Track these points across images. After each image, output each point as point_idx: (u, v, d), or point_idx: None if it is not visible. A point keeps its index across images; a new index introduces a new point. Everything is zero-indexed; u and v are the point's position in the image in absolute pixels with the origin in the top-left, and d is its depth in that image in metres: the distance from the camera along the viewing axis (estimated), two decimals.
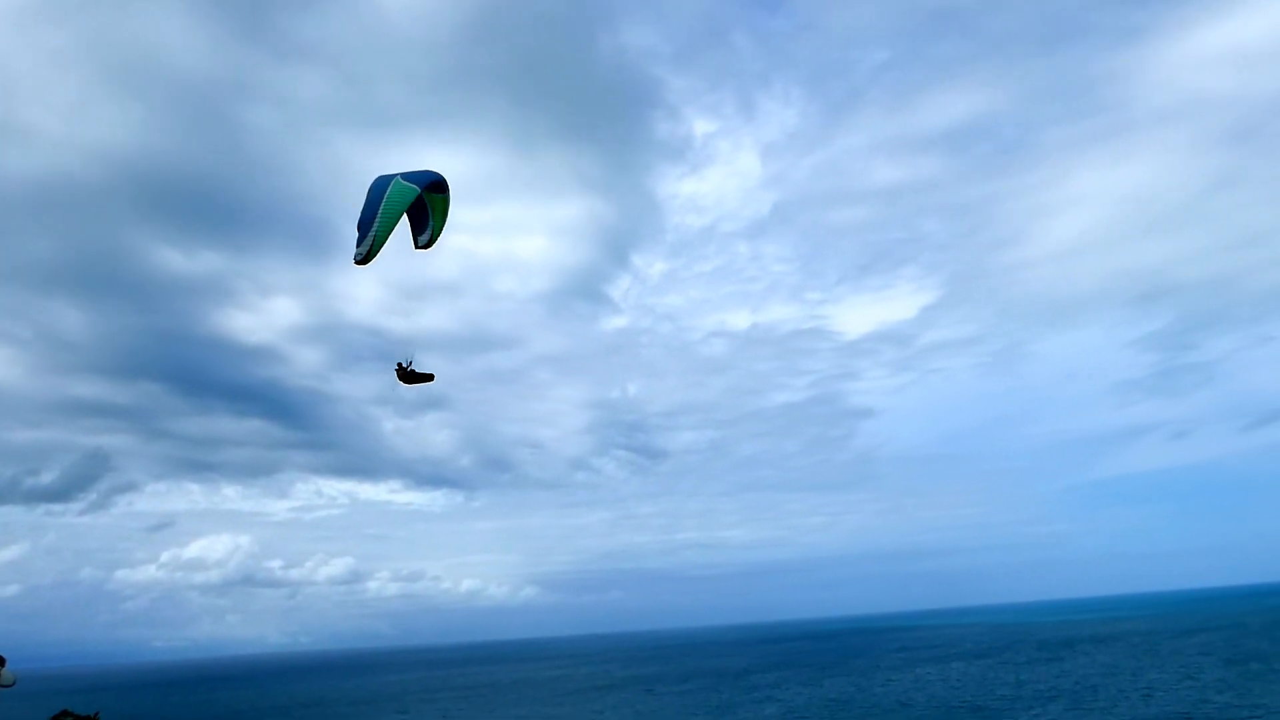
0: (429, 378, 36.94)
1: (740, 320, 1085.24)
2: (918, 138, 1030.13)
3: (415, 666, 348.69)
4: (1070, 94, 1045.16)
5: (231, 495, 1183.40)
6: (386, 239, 30.92)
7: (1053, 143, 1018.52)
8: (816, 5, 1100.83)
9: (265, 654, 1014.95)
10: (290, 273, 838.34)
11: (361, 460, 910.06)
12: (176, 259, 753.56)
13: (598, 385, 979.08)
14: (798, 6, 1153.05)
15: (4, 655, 27.43)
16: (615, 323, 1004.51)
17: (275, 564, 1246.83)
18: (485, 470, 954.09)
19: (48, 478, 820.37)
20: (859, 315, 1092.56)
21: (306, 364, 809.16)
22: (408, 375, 36.23)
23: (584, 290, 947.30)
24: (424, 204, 34.91)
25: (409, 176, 32.35)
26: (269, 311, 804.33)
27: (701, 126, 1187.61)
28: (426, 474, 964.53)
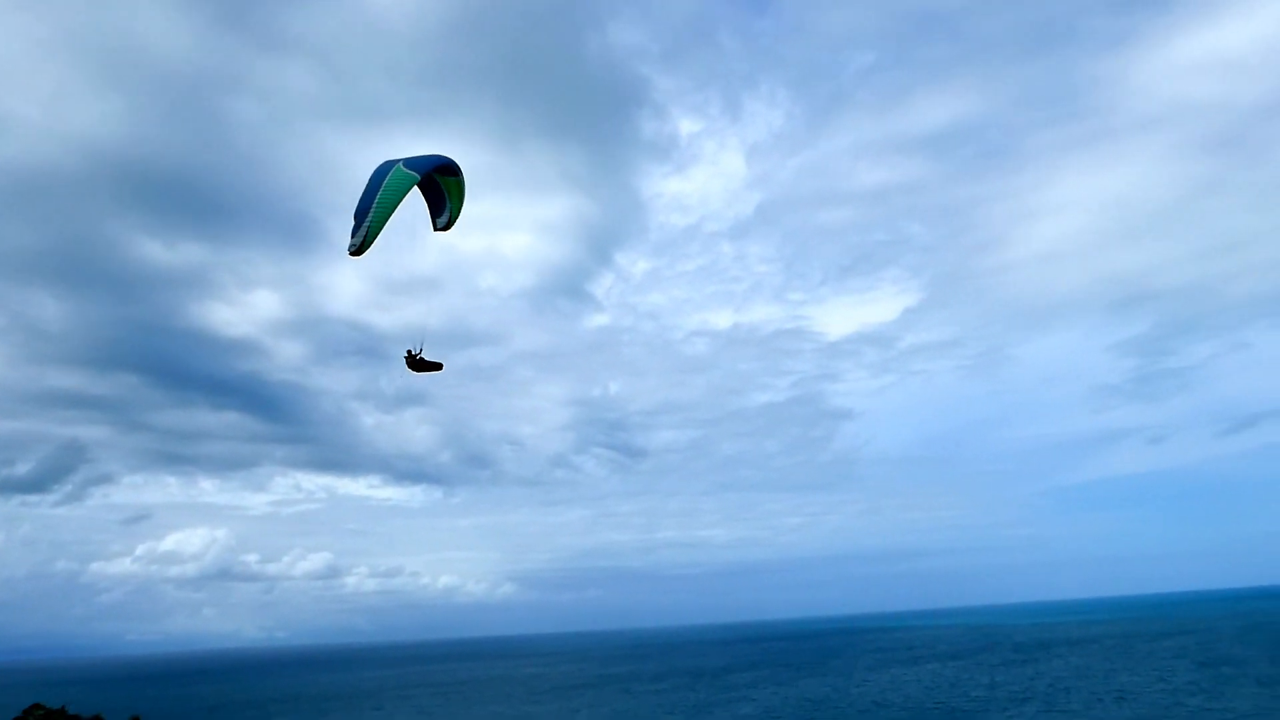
0: (438, 366, 36.78)
1: (723, 320, 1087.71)
2: (903, 140, 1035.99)
3: (392, 663, 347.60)
4: (1055, 99, 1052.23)
5: (209, 488, 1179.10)
6: (381, 229, 30.46)
7: (1037, 147, 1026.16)
8: (804, 6, 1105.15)
9: (241, 649, 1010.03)
10: (272, 266, 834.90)
11: (341, 455, 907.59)
12: (157, 250, 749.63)
13: (579, 383, 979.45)
14: (785, 7, 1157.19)
15: None
16: (598, 320, 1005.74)
17: (252, 558, 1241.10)
18: (465, 466, 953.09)
19: (23, 468, 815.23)
20: (841, 316, 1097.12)
21: (287, 357, 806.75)
22: (417, 363, 36.07)
23: (567, 288, 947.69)
24: (438, 187, 34.77)
25: (411, 163, 31.87)
26: (250, 304, 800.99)
27: (687, 126, 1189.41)
28: (406, 469, 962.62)
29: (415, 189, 32.30)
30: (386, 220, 30.48)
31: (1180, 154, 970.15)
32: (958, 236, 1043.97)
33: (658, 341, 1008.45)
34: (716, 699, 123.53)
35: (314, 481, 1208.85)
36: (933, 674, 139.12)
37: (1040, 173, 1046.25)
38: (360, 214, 30.50)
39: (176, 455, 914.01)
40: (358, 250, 30.19)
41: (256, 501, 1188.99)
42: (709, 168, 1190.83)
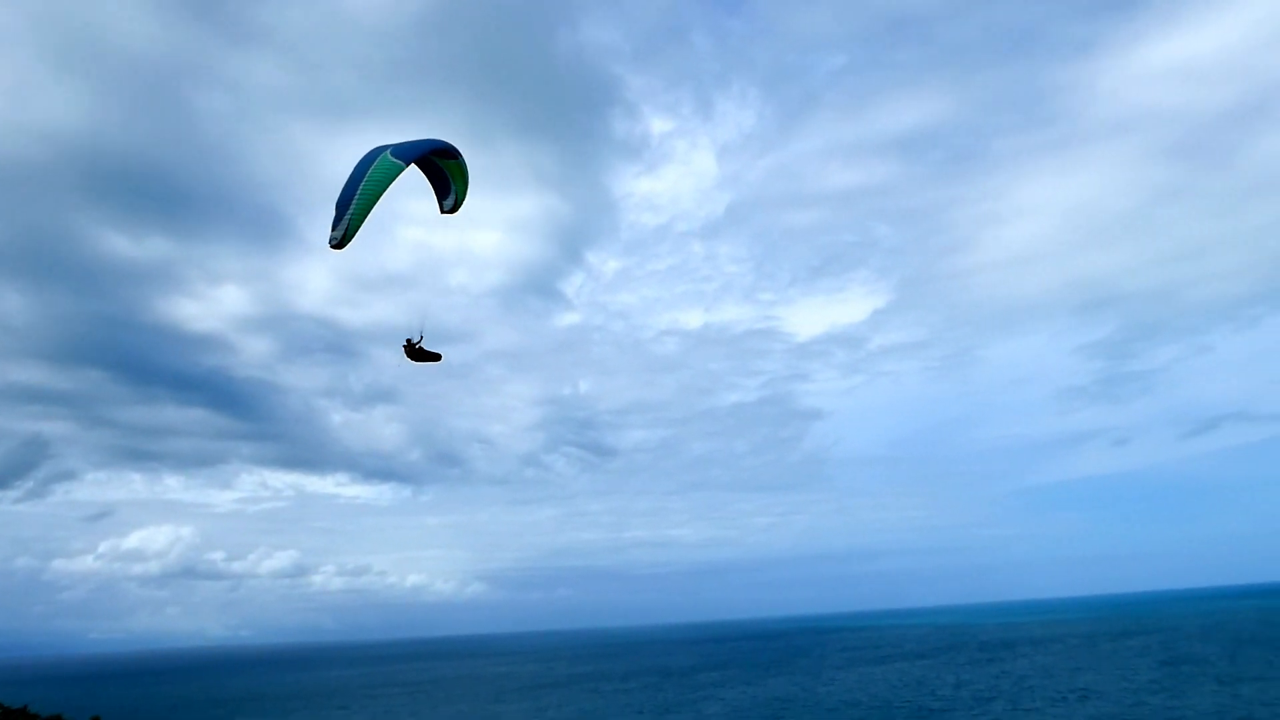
0: (437, 357, 36.31)
1: (693, 320, 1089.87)
2: (872, 143, 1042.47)
3: (359, 662, 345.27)
4: (1022, 104, 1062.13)
5: (174, 485, 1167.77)
6: (364, 220, 29.48)
7: (1003, 152, 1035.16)
8: (775, 8, 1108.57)
9: (205, 647, 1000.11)
10: (239, 261, 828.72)
11: (308, 452, 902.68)
12: (123, 244, 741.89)
13: (549, 382, 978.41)
14: (757, 8, 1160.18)
15: None
16: (568, 319, 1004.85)
17: (217, 556, 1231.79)
18: (434, 465, 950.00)
19: None
20: (811, 317, 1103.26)
21: (254, 354, 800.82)
22: (416, 353, 35.55)
23: (537, 286, 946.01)
24: (440, 171, 34.24)
25: (400, 150, 30.77)
26: (217, 300, 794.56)
27: (659, 125, 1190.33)
28: (374, 467, 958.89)
29: (420, 176, 31.58)
30: (369, 211, 29.53)
31: (1144, 160, 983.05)
32: (926, 239, 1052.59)
33: (628, 341, 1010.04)
34: (684, 698, 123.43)
35: (281, 479, 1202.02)
36: (900, 673, 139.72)
37: (1007, 177, 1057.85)
38: (342, 204, 29.45)
39: (141, 451, 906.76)
40: (339, 243, 29.25)
41: (222, 499, 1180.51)
42: (680, 167, 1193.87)
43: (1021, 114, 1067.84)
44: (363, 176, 29.49)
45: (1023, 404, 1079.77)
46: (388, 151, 30.38)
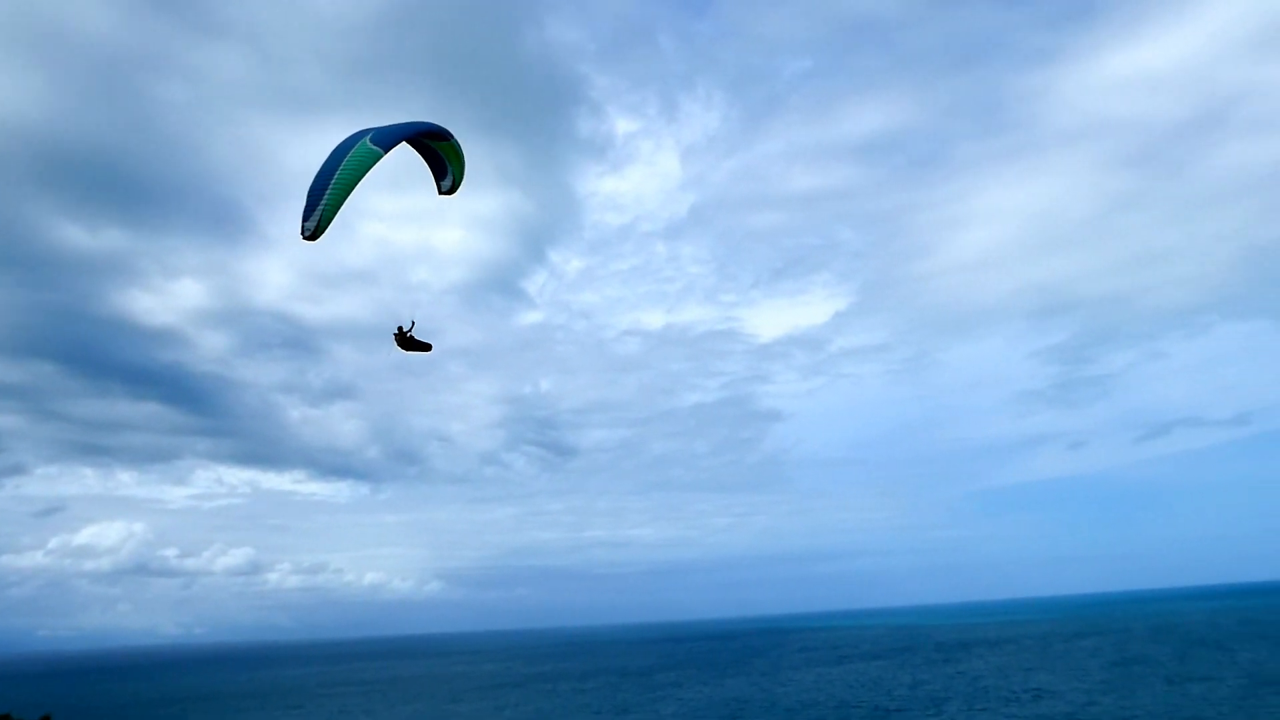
0: (427, 347, 35.66)
1: (655, 320, 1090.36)
2: (835, 146, 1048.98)
3: (314, 660, 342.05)
4: (983, 111, 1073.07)
5: (127, 481, 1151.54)
6: (338, 210, 28.20)
7: (964, 158, 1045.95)
8: (741, 10, 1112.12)
9: (157, 645, 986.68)
10: (197, 254, 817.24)
11: (265, 448, 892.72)
12: (78, 235, 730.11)
13: (510, 380, 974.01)
14: (723, 11, 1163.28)
15: None
16: (530, 318, 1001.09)
17: (171, 553, 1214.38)
18: (393, 462, 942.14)
19: None
20: (772, 319, 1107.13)
21: (211, 348, 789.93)
22: (407, 341, 34.92)
23: (500, 284, 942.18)
24: (434, 153, 33.60)
25: (381, 136, 29.42)
26: (173, 293, 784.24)
27: (623, 125, 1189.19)
28: (332, 464, 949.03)
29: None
30: (344, 200, 28.27)
31: (1102, 168, 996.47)
32: (887, 243, 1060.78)
33: (590, 340, 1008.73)
34: (641, 698, 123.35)
35: (237, 475, 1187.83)
36: (857, 673, 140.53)
37: (968, 183, 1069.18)
38: (315, 193, 28.05)
39: (93, 446, 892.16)
40: (313, 234, 28.00)
41: (176, 495, 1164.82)
42: (644, 168, 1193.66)
43: (983, 121, 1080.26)
44: (339, 163, 28.26)
45: (981, 407, 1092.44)
46: (367, 138, 29.18)
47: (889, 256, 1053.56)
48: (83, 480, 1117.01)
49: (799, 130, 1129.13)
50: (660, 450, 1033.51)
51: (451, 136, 32.89)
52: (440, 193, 34.92)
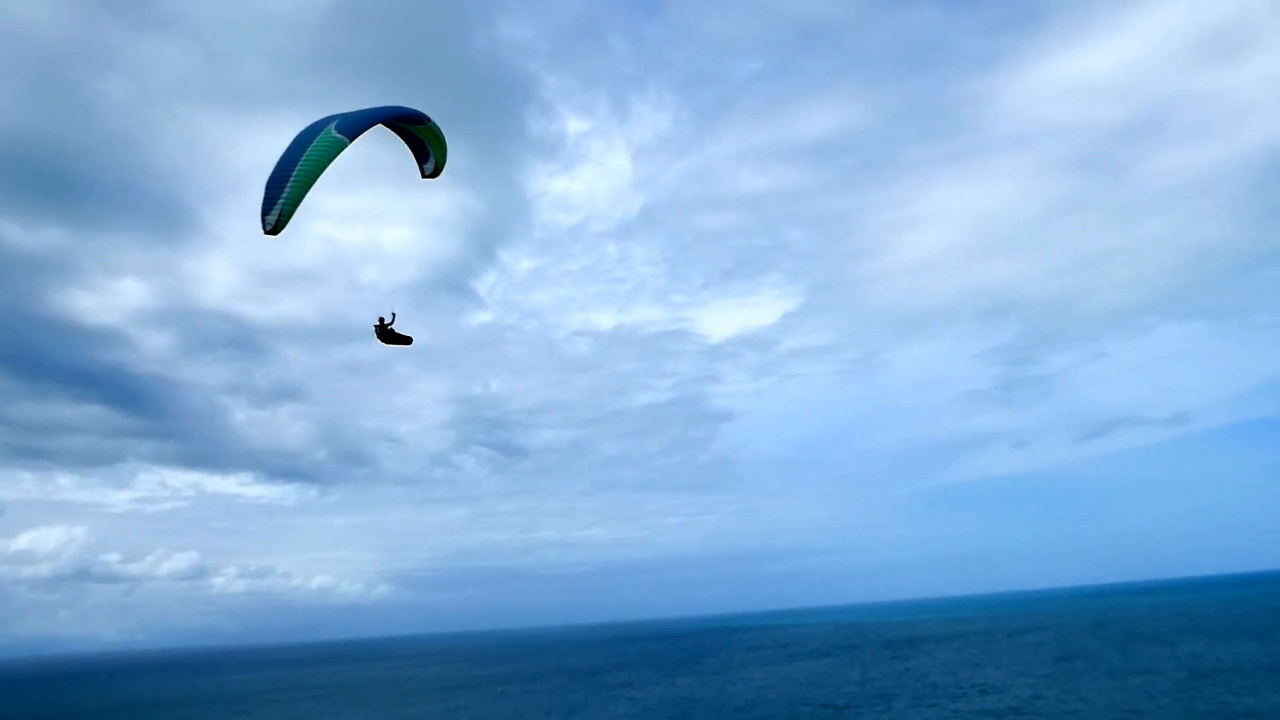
0: (407, 340, 34.86)
1: (605, 320, 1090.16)
2: (785, 148, 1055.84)
3: (261, 666, 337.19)
4: (929, 115, 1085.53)
5: (66, 485, 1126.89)
6: (300, 202, 26.87)
7: (911, 160, 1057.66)
8: (692, 12, 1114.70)
9: (99, 653, 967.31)
10: (140, 253, 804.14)
11: (210, 451, 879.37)
12: (14, 232, 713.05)
13: (460, 380, 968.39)
14: (673, 12, 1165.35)
15: None
16: (480, 318, 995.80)
17: (113, 558, 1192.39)
18: (341, 464, 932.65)
19: None
20: (723, 319, 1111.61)
21: (154, 349, 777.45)
22: (387, 334, 34.11)
23: (450, 284, 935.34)
24: (413, 137, 32.79)
25: (347, 123, 27.91)
26: (115, 292, 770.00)
27: (574, 125, 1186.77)
28: (279, 466, 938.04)
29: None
30: (307, 192, 26.97)
31: (1045, 172, 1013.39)
32: (836, 244, 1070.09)
33: (540, 340, 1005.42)
34: (592, 699, 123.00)
35: (181, 478, 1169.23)
36: (806, 671, 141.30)
37: (914, 185, 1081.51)
38: (274, 185, 26.75)
39: (31, 449, 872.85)
40: (274, 229, 26.82)
41: (118, 499, 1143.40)
42: (595, 168, 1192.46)
43: (929, 124, 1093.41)
44: (300, 153, 26.96)
45: (927, 407, 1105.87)
46: (332, 125, 27.80)
47: (838, 257, 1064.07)
48: (20, 485, 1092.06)
49: (749, 132, 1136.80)
50: (611, 450, 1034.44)
51: (429, 119, 32.02)
52: (423, 176, 34.26)
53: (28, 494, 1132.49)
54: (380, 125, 30.84)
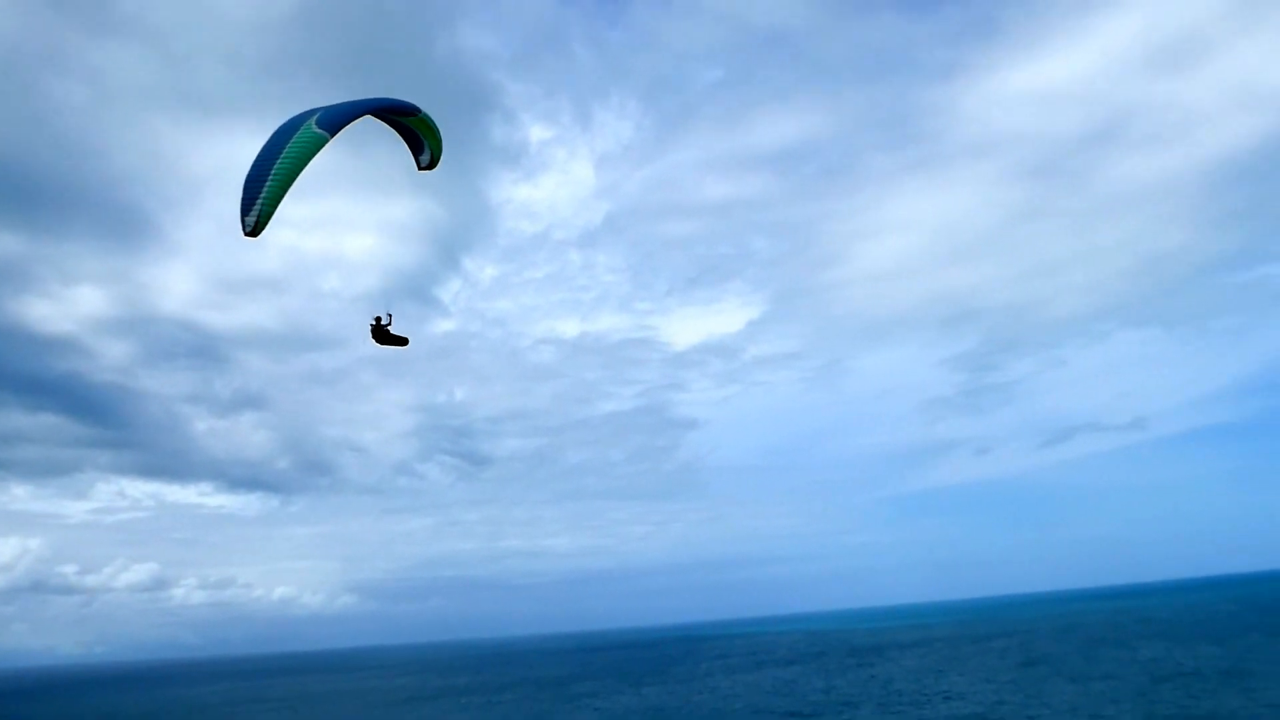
0: (404, 341, 34.14)
1: (570, 328, 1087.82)
2: (748, 156, 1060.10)
3: (222, 678, 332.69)
4: (890, 123, 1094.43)
5: (21, 495, 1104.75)
6: (279, 202, 25.80)
7: (873, 169, 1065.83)
8: (654, 20, 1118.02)
9: (55, 666, 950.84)
10: (97, 260, 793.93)
11: (170, 461, 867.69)
12: None
13: (424, 389, 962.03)
14: (636, 20, 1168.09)
15: None
16: (444, 326, 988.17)
17: (70, 569, 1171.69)
18: (304, 473, 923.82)
19: None
20: (687, 327, 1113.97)
21: (112, 357, 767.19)
22: (383, 334, 33.39)
23: (413, 291, 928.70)
24: (407, 129, 31.93)
25: (328, 117, 26.68)
26: (71, 300, 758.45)
27: (538, 133, 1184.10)
28: (240, 476, 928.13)
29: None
30: (287, 191, 25.90)
31: (1004, 181, 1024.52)
32: (799, 252, 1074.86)
33: (504, 349, 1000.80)
34: (558, 709, 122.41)
35: (140, 489, 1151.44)
36: (772, 679, 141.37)
37: (876, 193, 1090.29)
38: (252, 184, 25.65)
39: None
40: (254, 230, 25.75)
41: (76, 509, 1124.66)
42: (559, 176, 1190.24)
43: (891, 133, 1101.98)
44: (279, 150, 25.84)
45: (891, 414, 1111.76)
46: (312, 120, 26.69)
47: (801, 265, 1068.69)
48: None
49: (712, 139, 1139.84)
50: (576, 459, 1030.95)
51: (419, 110, 31.16)
52: (420, 168, 33.68)
53: None
54: (370, 118, 30.19)
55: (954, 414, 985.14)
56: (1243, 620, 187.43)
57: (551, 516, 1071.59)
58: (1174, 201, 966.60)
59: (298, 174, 26.17)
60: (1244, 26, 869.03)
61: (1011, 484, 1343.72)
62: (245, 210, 25.79)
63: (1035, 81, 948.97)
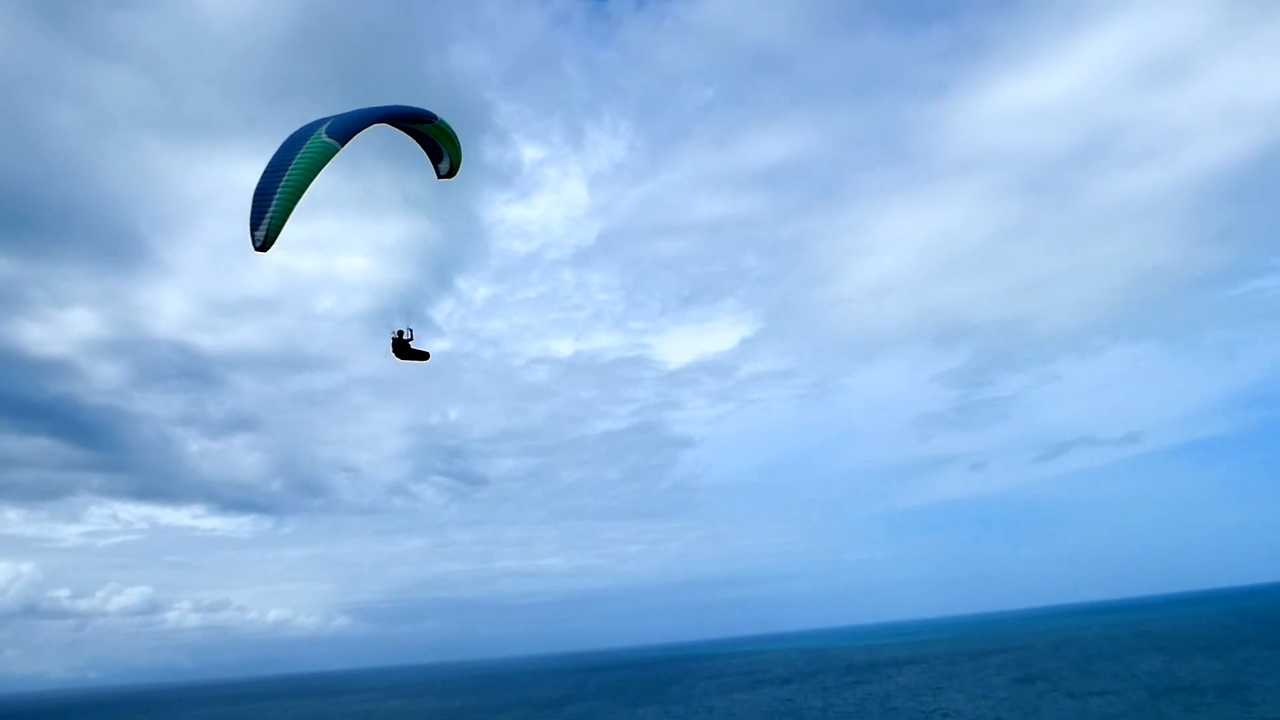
0: (424, 356, 33.79)
1: (564, 347, 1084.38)
2: (739, 175, 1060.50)
3: (216, 701, 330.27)
4: (880, 141, 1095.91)
5: (14, 519, 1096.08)
6: (289, 214, 25.10)
7: (863, 187, 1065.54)
8: (646, 41, 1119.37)
9: (47, 691, 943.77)
10: (90, 282, 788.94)
11: (163, 483, 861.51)
12: None
13: (418, 409, 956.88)
14: (628, 40, 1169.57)
15: None
16: (438, 346, 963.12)
17: (62, 593, 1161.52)
18: (297, 495, 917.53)
19: None
20: (681, 345, 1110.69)
21: (104, 380, 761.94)
22: (403, 349, 32.98)
23: (406, 312, 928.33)
24: (425, 137, 31.36)
25: (338, 126, 25.87)
26: (64, 323, 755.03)
27: (530, 153, 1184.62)
28: (233, 498, 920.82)
29: (414, 139, 27.45)
30: (297, 202, 25.14)
31: (994, 197, 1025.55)
32: (792, 270, 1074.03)
33: (498, 368, 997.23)
34: None
35: (132, 511, 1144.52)
36: (769, 698, 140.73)
37: (867, 211, 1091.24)
38: (261, 197, 24.88)
39: None
40: (264, 245, 25.05)
41: (68, 533, 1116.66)
42: (551, 195, 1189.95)
43: (879, 151, 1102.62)
44: (289, 161, 25.05)
45: (885, 430, 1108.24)
46: (322, 129, 25.78)
47: (794, 283, 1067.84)
48: None
49: (704, 159, 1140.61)
50: (571, 478, 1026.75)
51: (436, 117, 30.33)
52: (439, 176, 33.15)
53: None
54: (384, 127, 29.67)
55: (948, 430, 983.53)
56: (1239, 633, 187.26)
57: (546, 536, 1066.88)
58: (1164, 217, 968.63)
59: (307, 185, 25.52)
60: (1231, 42, 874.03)
61: (1006, 499, 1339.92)
62: (254, 225, 25.07)
63: (1024, 99, 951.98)
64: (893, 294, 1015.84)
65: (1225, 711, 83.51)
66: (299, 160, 25.07)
